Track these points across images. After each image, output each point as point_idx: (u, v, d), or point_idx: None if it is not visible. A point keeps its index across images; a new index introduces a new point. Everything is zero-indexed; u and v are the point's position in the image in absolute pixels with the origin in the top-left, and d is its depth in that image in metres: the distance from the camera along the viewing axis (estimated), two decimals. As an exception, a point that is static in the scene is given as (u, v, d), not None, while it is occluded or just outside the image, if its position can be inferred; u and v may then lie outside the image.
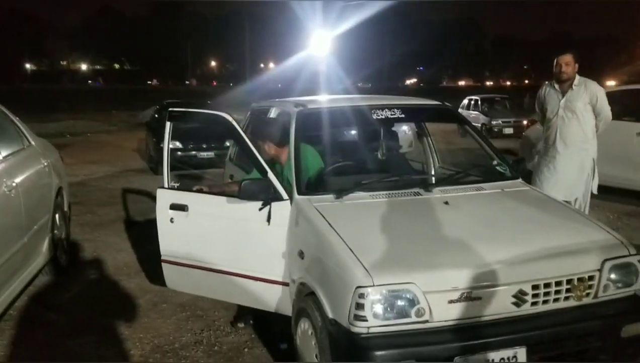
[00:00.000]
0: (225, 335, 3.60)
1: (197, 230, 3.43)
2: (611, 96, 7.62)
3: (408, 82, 77.10)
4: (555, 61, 4.75)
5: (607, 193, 7.05)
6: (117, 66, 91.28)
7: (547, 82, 4.93)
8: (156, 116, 12.04)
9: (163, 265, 3.59)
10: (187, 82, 71.96)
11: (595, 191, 4.87)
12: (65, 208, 5.17)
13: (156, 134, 10.64)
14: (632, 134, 6.69)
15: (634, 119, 6.90)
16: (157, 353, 3.38)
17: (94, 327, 3.76)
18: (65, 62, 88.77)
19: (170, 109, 3.71)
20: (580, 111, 4.70)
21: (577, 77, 4.73)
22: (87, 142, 16.48)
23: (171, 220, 3.46)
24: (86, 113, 26.39)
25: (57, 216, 4.75)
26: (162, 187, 3.59)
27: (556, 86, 4.82)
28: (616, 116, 7.28)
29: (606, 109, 4.77)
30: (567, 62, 4.69)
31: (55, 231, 4.66)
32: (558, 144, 4.76)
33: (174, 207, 3.45)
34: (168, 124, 3.62)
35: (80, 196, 7.91)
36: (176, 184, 3.70)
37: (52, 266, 4.60)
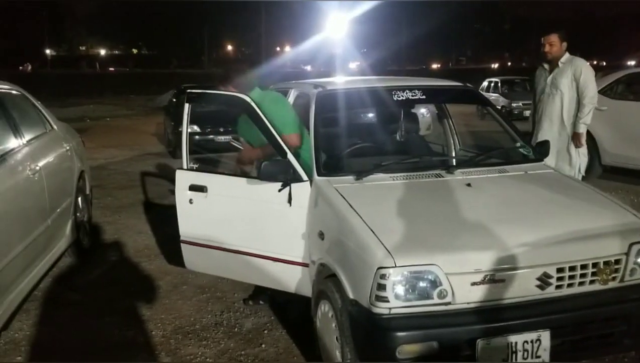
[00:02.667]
0: (245, 316, 3.62)
1: (216, 211, 3.44)
2: (635, 77, 7.56)
3: (434, 66, 75.90)
4: (542, 40, 4.82)
5: (630, 176, 6.95)
6: (135, 50, 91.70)
7: (541, 64, 5.00)
8: (174, 100, 12.09)
9: (182, 245, 3.61)
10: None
11: (582, 172, 4.86)
12: (87, 191, 5.22)
13: (174, 118, 10.70)
14: (656, 115, 6.54)
15: (659, 100, 6.76)
16: (179, 334, 3.41)
17: (116, 307, 3.81)
18: (84, 48, 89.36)
19: (188, 90, 3.68)
20: (565, 88, 4.72)
21: (566, 55, 4.80)
22: (107, 126, 16.63)
23: (190, 201, 3.47)
24: (105, 98, 26.60)
25: (79, 199, 4.80)
26: (181, 168, 3.59)
27: (545, 65, 4.91)
28: (639, 97, 7.23)
29: (591, 88, 4.72)
30: (551, 42, 4.77)
31: (78, 214, 4.72)
32: (544, 121, 4.80)
33: (193, 188, 3.46)
34: (187, 106, 3.61)
35: (101, 180, 8.00)
36: (195, 166, 3.69)
37: (74, 248, 4.66)
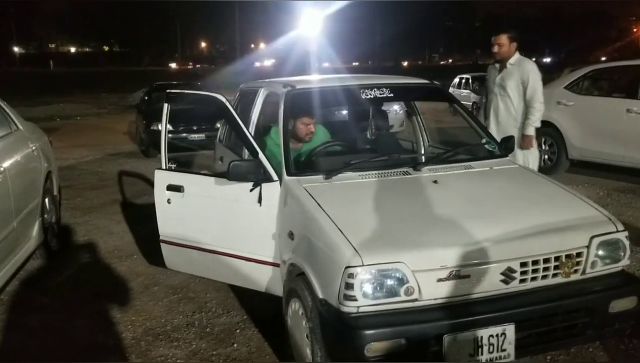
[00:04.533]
0: (217, 316, 3.61)
1: (192, 211, 3.50)
2: (601, 73, 7.73)
3: (405, 63, 76.39)
4: (492, 41, 4.90)
5: (596, 170, 7.12)
6: (106, 48, 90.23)
7: (493, 63, 5.11)
8: (146, 98, 11.95)
9: (162, 245, 3.67)
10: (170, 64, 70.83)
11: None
12: (55, 192, 5.14)
13: (146, 117, 10.59)
14: (621, 110, 6.69)
15: (624, 96, 6.91)
16: (149, 336, 3.39)
17: (86, 310, 3.76)
18: (53, 45, 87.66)
19: (168, 91, 3.80)
20: (511, 90, 4.81)
21: (515, 56, 4.87)
22: (77, 125, 16.36)
23: (168, 201, 3.53)
24: (75, 96, 26.17)
25: (46, 200, 4.72)
26: (160, 168, 3.65)
27: (496, 65, 4.99)
28: (606, 92, 7.41)
29: (539, 94, 4.77)
30: (500, 43, 4.86)
31: (45, 216, 4.64)
32: (491, 120, 4.89)
33: (171, 188, 3.52)
34: (166, 105, 3.70)
35: (71, 180, 7.88)
36: (173, 166, 3.74)
37: (43, 250, 4.59)
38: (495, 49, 4.87)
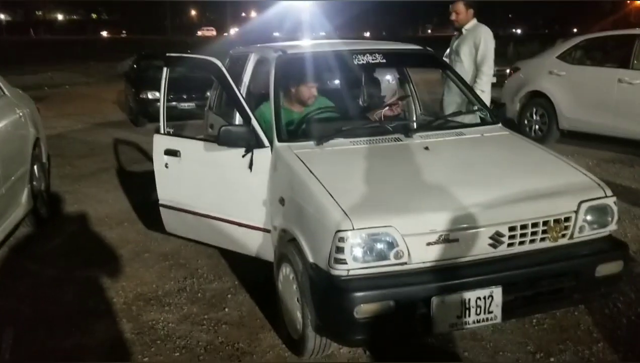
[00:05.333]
0: (208, 282, 3.64)
1: (188, 175, 3.55)
2: (593, 43, 7.70)
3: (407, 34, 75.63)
4: (449, 9, 4.87)
5: (587, 140, 7.14)
6: (94, 15, 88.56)
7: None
8: (134, 66, 11.78)
9: (161, 209, 3.75)
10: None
11: None
12: (44, 160, 5.10)
13: (135, 85, 10.46)
14: (613, 80, 6.68)
15: (616, 65, 6.89)
16: (141, 301, 3.41)
17: (76, 277, 3.77)
18: (40, 13, 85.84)
19: (167, 54, 3.86)
20: (464, 55, 4.79)
21: (472, 22, 4.86)
22: (66, 94, 16.13)
23: (166, 165, 3.59)
24: (64, 65, 25.76)
25: (35, 167, 4.69)
26: (158, 132, 3.71)
27: (456, 33, 4.98)
28: (598, 62, 7.39)
29: (488, 59, 4.74)
30: (457, 11, 4.85)
31: (34, 183, 4.61)
32: (445, 87, 4.77)
33: (168, 152, 3.57)
34: (165, 69, 3.80)
35: (60, 148, 7.81)
36: (171, 130, 3.78)
37: (32, 218, 4.57)
38: (453, 17, 4.85)
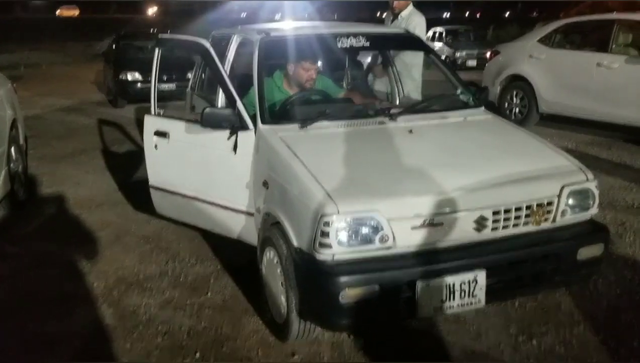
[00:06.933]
0: (190, 266, 3.60)
1: (175, 157, 3.56)
2: (572, 27, 7.74)
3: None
4: None
5: (566, 123, 7.21)
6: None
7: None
8: (114, 46, 11.56)
9: (151, 190, 3.76)
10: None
11: None
12: (21, 141, 4.99)
13: (114, 66, 10.28)
14: (592, 64, 6.73)
15: (595, 49, 6.94)
16: (122, 285, 3.37)
17: (56, 260, 3.71)
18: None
19: (160, 35, 3.94)
20: None
21: (408, 8, 4.83)
22: (43, 74, 15.82)
23: (155, 147, 3.60)
24: (41, 44, 25.19)
25: (12, 149, 4.58)
26: (149, 114, 3.72)
27: (390, 17, 4.95)
28: (577, 46, 7.44)
29: None
30: None
31: (12, 165, 4.51)
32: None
33: (158, 134, 3.58)
34: (157, 50, 3.80)
35: (37, 129, 7.66)
36: (162, 111, 3.79)
37: (9, 200, 4.48)
38: (394, 3, 4.83)
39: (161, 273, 3.52)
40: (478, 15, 50.81)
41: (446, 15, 46.03)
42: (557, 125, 7.29)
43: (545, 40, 7.50)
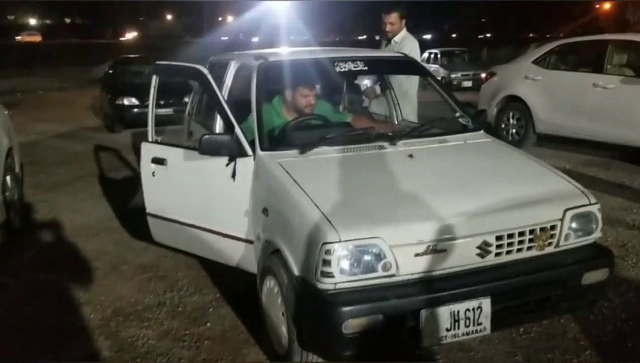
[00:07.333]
0: (189, 295, 3.55)
1: (173, 184, 3.53)
2: (567, 48, 7.80)
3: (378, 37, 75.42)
4: (382, 18, 4.83)
5: (563, 143, 7.22)
6: (67, 20, 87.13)
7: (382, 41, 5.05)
8: (110, 72, 11.61)
9: (148, 218, 3.72)
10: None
11: None
12: (17, 169, 4.96)
13: (111, 91, 10.31)
14: (587, 85, 6.77)
15: (590, 70, 7.00)
16: (119, 316, 3.30)
17: (52, 290, 3.65)
18: (12, 17, 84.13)
19: (157, 62, 3.90)
20: None
21: (402, 33, 4.83)
22: (39, 100, 15.88)
23: (153, 174, 3.56)
24: (37, 70, 25.31)
25: (8, 177, 4.55)
26: (146, 141, 3.70)
27: (384, 42, 4.95)
28: (572, 67, 7.49)
29: None
30: (392, 22, 4.81)
31: (7, 193, 4.47)
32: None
33: (155, 161, 3.55)
34: (154, 77, 3.80)
35: (33, 156, 7.63)
36: (159, 138, 3.76)
37: (5, 229, 4.43)
38: (388, 27, 4.82)
39: (159, 303, 3.46)
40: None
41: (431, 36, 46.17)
42: (554, 145, 7.30)
43: (541, 62, 7.56)
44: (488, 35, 56.82)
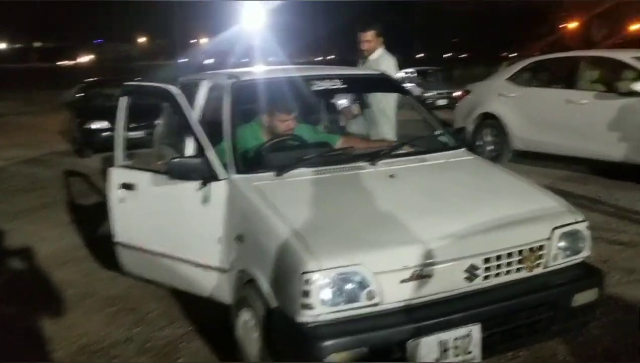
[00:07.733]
0: (159, 329, 3.34)
1: (143, 211, 3.32)
2: (540, 65, 7.87)
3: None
4: (358, 36, 4.78)
5: (539, 159, 7.22)
6: (37, 44, 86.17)
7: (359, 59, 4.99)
8: (79, 95, 11.37)
9: (116, 248, 3.50)
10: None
11: None
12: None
13: (80, 115, 10.08)
14: (560, 101, 6.81)
15: (563, 86, 7.04)
16: (85, 354, 3.09)
17: (16, 324, 3.45)
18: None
19: (125, 83, 3.77)
20: None
21: (378, 51, 4.79)
22: (6, 124, 15.51)
23: (120, 201, 3.37)
24: (5, 94, 24.85)
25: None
26: (113, 166, 3.52)
27: (361, 61, 4.90)
28: (545, 83, 7.54)
29: None
30: (368, 40, 4.77)
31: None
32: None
33: (123, 186, 3.35)
34: (122, 99, 3.65)
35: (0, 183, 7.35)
36: (128, 163, 3.58)
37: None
38: (365, 46, 4.77)
39: (127, 338, 3.25)
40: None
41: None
42: (531, 161, 7.29)
43: (515, 79, 7.59)
44: (462, 55, 57.93)
